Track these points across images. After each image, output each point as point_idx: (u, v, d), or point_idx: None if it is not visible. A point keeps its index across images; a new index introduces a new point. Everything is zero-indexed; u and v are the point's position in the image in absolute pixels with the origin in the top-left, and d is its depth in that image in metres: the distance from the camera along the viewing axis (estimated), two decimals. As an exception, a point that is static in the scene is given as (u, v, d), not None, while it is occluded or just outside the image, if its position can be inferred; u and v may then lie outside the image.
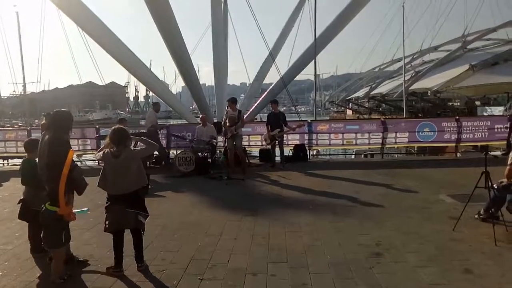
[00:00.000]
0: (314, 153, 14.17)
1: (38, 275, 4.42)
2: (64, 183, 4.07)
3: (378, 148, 13.59)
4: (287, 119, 11.72)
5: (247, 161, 11.31)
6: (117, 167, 4.37)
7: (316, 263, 4.51)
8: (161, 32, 18.37)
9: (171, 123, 22.22)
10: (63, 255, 4.35)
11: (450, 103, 39.90)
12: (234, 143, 10.60)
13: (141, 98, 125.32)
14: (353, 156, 16.75)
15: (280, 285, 4.02)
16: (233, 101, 10.97)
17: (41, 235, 4.25)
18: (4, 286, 4.19)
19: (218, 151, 12.46)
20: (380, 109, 48.17)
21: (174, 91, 67.11)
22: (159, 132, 12.33)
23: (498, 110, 27.01)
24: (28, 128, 14.91)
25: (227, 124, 10.54)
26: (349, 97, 61.22)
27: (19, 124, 48.24)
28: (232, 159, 10.71)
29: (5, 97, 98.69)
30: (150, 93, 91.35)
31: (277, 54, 27.47)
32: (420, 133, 12.88)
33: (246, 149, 12.31)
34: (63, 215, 4.17)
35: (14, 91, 64.85)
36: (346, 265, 4.44)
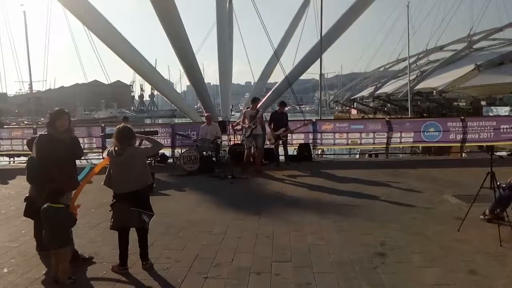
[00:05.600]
0: (319, 153, 14.16)
1: (44, 272, 4.44)
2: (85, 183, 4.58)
3: (383, 148, 13.56)
4: (290, 119, 11.74)
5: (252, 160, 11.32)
6: (121, 165, 4.40)
7: (320, 263, 4.51)
8: (166, 31, 18.41)
9: (176, 122, 22.25)
10: (70, 254, 4.36)
11: (456, 103, 39.72)
12: (253, 142, 10.62)
13: (146, 97, 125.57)
14: (357, 156, 16.73)
15: (284, 284, 4.03)
16: (253, 101, 11.27)
17: (46, 236, 4.20)
18: (10, 283, 4.22)
19: (222, 150, 12.48)
20: (385, 108, 48.01)
21: (179, 90, 67.08)
22: None
23: (504, 110, 26.89)
24: (34, 127, 15.02)
25: (246, 123, 10.53)
26: (354, 97, 61.08)
27: (25, 122, 48.55)
28: (248, 159, 10.75)
29: (12, 96, 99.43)
30: (155, 92, 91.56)
31: (282, 53, 27.46)
32: (425, 133, 12.83)
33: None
34: (73, 212, 4.29)
35: (20, 89, 65.22)
36: (350, 264, 4.44)
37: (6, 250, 5.20)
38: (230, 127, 12.39)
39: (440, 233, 5.37)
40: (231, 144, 12.28)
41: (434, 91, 37.22)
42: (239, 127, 11.41)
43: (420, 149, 16.15)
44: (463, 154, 13.30)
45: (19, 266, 4.67)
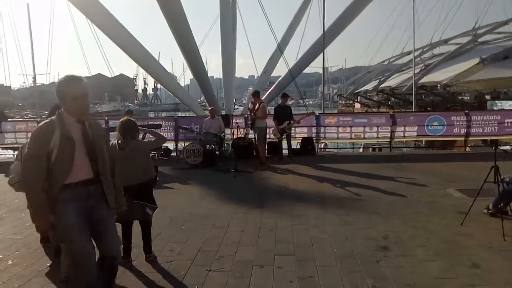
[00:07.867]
0: (322, 147, 14.14)
1: (48, 264, 4.47)
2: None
3: (387, 141, 13.54)
4: (294, 113, 11.71)
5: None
6: (124, 159, 4.39)
7: (323, 256, 4.52)
8: (169, 24, 18.38)
9: (179, 115, 22.26)
10: None
11: (460, 97, 39.53)
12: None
13: (149, 91, 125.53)
14: (361, 150, 16.71)
15: (286, 277, 4.04)
16: (253, 94, 11.48)
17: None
18: (15, 275, 4.25)
19: (225, 144, 12.49)
20: (389, 102, 47.84)
21: (182, 84, 67.27)
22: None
23: (508, 104, 26.71)
24: (38, 120, 15.03)
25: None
26: (358, 91, 60.92)
27: (29, 115, 48.69)
28: (259, 151, 10.96)
29: (16, 89, 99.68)
30: (159, 86, 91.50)
31: (286, 46, 27.39)
32: (429, 127, 12.79)
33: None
34: None
35: (24, 82, 65.47)
36: (353, 258, 4.44)
37: (10, 243, 5.24)
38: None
39: (443, 227, 5.36)
40: (234, 137, 12.28)
41: (439, 85, 37.05)
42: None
43: (423, 143, 16.10)
44: (467, 148, 13.25)
45: (23, 258, 4.70)
